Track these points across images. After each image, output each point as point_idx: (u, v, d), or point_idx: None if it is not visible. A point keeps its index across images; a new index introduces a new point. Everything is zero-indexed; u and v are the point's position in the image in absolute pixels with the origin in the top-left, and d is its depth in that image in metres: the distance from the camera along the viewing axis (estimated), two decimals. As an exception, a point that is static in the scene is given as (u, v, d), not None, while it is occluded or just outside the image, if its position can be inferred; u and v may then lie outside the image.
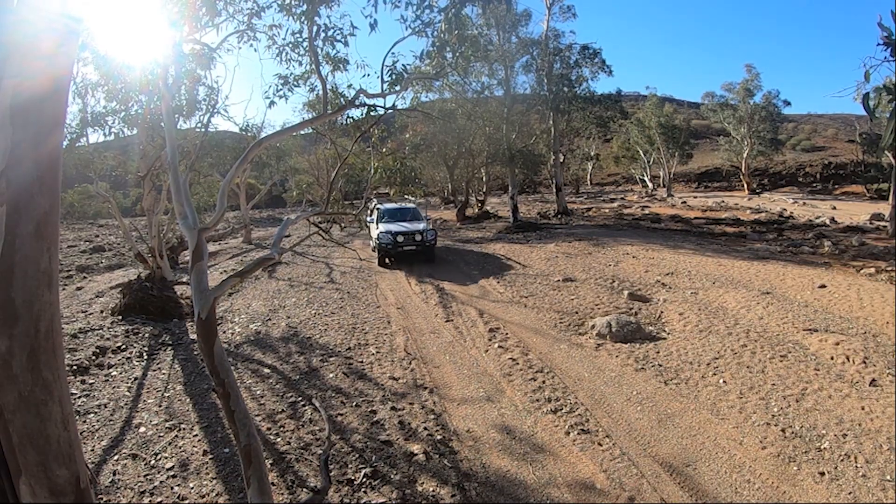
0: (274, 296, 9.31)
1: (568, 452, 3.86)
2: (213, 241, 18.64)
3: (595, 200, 33.02)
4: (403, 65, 4.88)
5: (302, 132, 19.55)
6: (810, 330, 6.02)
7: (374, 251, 13.31)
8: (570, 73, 20.55)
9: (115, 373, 5.62)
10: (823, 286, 7.85)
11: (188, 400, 4.88)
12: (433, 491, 3.32)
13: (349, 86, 11.94)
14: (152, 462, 3.77)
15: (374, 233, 13.03)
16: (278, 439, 4.05)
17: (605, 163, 50.32)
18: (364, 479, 3.44)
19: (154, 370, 5.70)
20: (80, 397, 4.90)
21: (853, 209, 22.50)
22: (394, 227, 12.58)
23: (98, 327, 7.08)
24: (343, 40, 4.47)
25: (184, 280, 9.98)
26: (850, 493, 3.22)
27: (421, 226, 12.82)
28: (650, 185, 40.91)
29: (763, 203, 26.31)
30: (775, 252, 11.25)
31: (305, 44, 4.63)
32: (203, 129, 9.20)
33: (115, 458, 3.85)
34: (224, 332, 7.07)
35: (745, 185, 36.90)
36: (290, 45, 4.98)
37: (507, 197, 22.20)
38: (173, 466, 3.70)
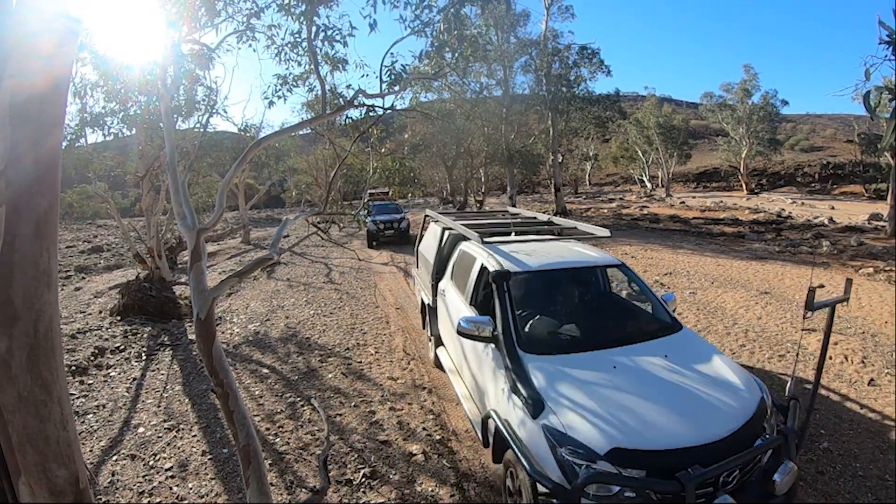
0: (273, 296, 9.30)
1: (567, 452, 3.86)
2: (212, 241, 18.63)
3: (594, 200, 33.04)
4: (402, 65, 4.87)
5: (301, 132, 19.54)
6: (809, 330, 6.03)
7: None
8: (569, 74, 20.59)
9: (113, 373, 5.61)
10: (822, 286, 7.87)
11: (187, 400, 4.88)
12: (432, 491, 3.32)
13: (348, 86, 11.94)
14: (151, 462, 3.77)
15: None
16: (277, 439, 4.05)
17: (604, 163, 50.39)
18: (363, 480, 3.44)
19: (153, 371, 5.69)
20: (78, 398, 4.89)
21: (852, 209, 22.54)
22: None
23: (97, 328, 7.07)
24: (342, 40, 4.47)
25: (182, 280, 9.98)
26: (849, 494, 3.23)
27: None
28: (649, 185, 40.98)
29: (761, 203, 26.36)
30: (774, 252, 11.27)
31: (304, 44, 4.62)
32: (202, 130, 9.20)
33: (114, 458, 3.84)
34: (223, 333, 7.07)
35: (744, 185, 36.98)
36: (289, 46, 4.97)
37: (506, 197, 22.24)
38: (172, 467, 3.70)
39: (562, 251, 4.25)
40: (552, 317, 3.69)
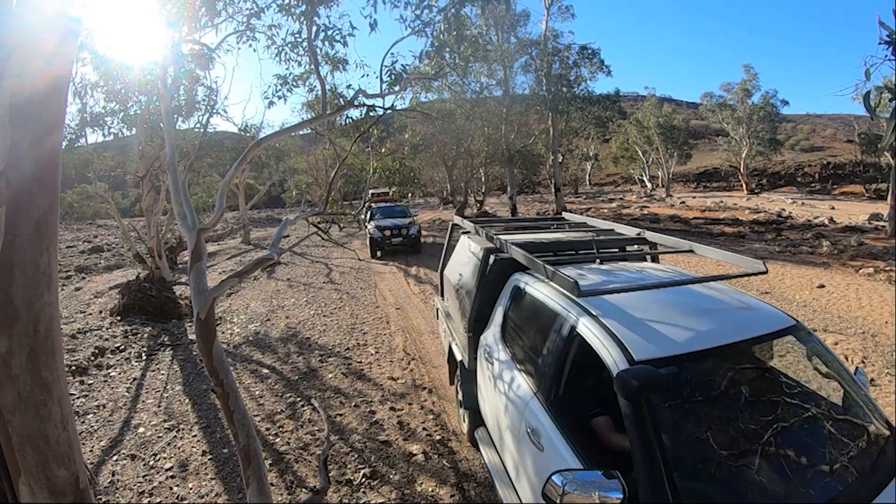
0: (273, 296, 9.30)
1: (567, 452, 3.85)
2: (212, 241, 18.64)
3: (594, 201, 33.06)
4: (403, 65, 4.88)
5: (301, 132, 19.53)
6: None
7: None
8: (569, 74, 20.60)
9: (113, 373, 5.61)
10: (822, 286, 7.86)
11: (187, 400, 4.87)
12: (432, 491, 3.32)
13: (348, 86, 11.95)
14: (151, 462, 3.77)
15: None
16: (277, 440, 4.05)
17: (604, 163, 50.46)
18: (363, 480, 3.44)
19: (153, 371, 5.69)
20: (78, 398, 4.89)
21: (852, 209, 22.54)
22: None
23: (97, 328, 7.07)
24: (342, 40, 4.47)
25: (182, 280, 9.98)
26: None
27: None
28: (649, 185, 41.01)
29: (762, 203, 26.35)
30: (774, 252, 11.26)
31: (304, 44, 4.63)
32: (202, 130, 9.21)
33: (114, 458, 3.84)
34: (223, 333, 7.07)
35: (744, 185, 36.99)
36: (290, 46, 4.98)
37: (506, 197, 22.24)
38: (172, 467, 3.70)
39: (702, 299, 2.44)
40: (724, 452, 1.76)
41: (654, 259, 3.65)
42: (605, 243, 3.70)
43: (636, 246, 3.79)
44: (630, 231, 3.90)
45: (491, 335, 3.27)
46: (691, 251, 3.26)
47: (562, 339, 2.37)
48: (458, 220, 4.89)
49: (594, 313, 2.23)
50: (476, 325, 3.46)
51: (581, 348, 2.25)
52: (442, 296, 5.02)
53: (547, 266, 2.53)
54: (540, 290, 2.79)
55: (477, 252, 3.78)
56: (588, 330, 2.18)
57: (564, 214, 5.27)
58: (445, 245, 5.13)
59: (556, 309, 2.52)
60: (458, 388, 4.03)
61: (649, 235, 3.67)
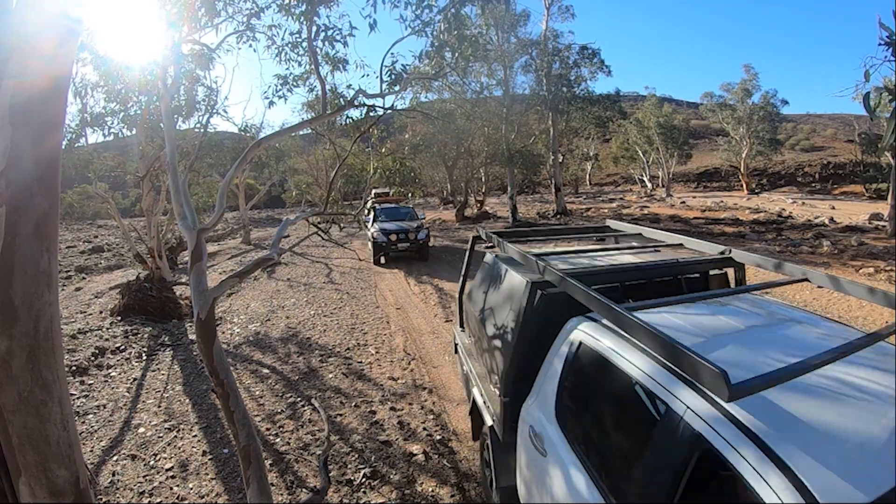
0: (273, 296, 9.30)
1: (567, 452, 3.84)
2: (213, 241, 18.64)
3: (594, 200, 33.07)
4: (403, 65, 4.87)
5: (301, 132, 19.51)
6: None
7: None
8: (569, 74, 20.60)
9: (114, 373, 5.61)
10: (822, 286, 7.86)
11: (187, 400, 4.88)
12: (432, 491, 3.32)
13: (348, 86, 11.92)
14: (151, 462, 3.77)
15: None
16: (278, 440, 4.05)
17: (604, 163, 50.44)
18: (363, 480, 3.44)
19: (153, 371, 5.69)
20: (79, 398, 4.89)
21: (852, 209, 22.53)
22: None
23: (97, 328, 7.07)
24: (342, 40, 4.46)
25: (183, 280, 9.99)
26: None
27: None
28: (649, 185, 40.99)
29: (762, 203, 26.34)
30: (774, 252, 11.26)
31: (304, 44, 4.63)
32: (202, 130, 9.21)
33: (115, 458, 3.84)
34: (223, 333, 7.07)
35: (744, 185, 36.97)
36: (290, 46, 4.97)
37: (507, 197, 22.24)
38: (172, 467, 3.70)
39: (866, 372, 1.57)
40: None
41: (740, 284, 2.86)
42: (687, 268, 2.71)
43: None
44: (709, 248, 2.89)
45: (539, 409, 2.30)
46: (805, 279, 2.34)
47: (675, 446, 1.50)
48: (482, 231, 3.88)
49: (741, 419, 1.34)
50: (515, 387, 2.52)
51: (707, 465, 1.41)
52: (461, 326, 4.13)
53: (673, 345, 1.42)
54: (622, 353, 1.84)
55: (513, 282, 2.82)
56: (732, 448, 1.30)
57: (609, 222, 4.33)
58: (465, 263, 4.36)
59: (662, 395, 1.59)
60: (486, 457, 3.02)
61: (737, 255, 2.71)
